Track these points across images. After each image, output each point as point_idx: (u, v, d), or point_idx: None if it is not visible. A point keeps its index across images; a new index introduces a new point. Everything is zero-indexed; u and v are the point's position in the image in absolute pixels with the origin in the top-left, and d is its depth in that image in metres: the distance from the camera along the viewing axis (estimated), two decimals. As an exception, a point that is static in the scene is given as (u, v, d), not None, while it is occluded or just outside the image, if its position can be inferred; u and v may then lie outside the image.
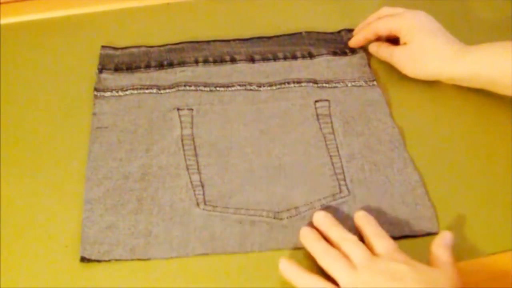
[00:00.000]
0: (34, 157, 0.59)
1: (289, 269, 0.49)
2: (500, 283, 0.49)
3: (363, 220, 0.51)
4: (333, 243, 0.49)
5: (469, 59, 0.61)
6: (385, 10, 0.68)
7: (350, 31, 0.72)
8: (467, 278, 0.49)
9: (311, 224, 0.52)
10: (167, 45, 0.71)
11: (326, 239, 0.50)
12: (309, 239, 0.50)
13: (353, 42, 0.69)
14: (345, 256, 0.48)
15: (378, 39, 0.68)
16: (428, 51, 0.63)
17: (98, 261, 0.51)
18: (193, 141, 0.60)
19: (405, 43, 0.64)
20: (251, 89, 0.65)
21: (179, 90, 0.64)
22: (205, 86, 0.65)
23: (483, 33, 0.67)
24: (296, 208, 0.54)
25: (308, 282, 0.47)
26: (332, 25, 0.73)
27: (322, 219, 0.52)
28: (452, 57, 0.62)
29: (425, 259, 0.50)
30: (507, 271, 0.50)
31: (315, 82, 0.65)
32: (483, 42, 0.62)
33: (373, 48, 0.68)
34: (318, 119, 0.62)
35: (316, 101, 0.63)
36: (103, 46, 0.70)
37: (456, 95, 0.65)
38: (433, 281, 0.45)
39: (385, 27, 0.66)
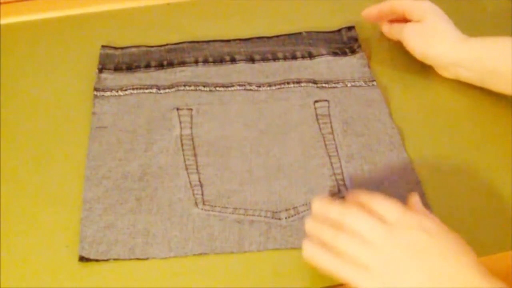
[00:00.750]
0: (33, 157, 0.59)
1: (312, 251, 0.48)
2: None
3: (355, 194, 0.50)
4: (337, 223, 0.48)
5: (475, 44, 0.62)
6: None
7: (350, 29, 0.72)
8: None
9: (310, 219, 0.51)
10: (167, 45, 0.71)
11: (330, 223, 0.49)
12: (315, 229, 0.49)
13: (366, 12, 0.69)
14: (355, 233, 0.46)
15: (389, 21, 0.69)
16: (439, 31, 0.64)
17: (97, 260, 0.51)
18: (192, 141, 0.60)
19: (417, 21, 0.65)
20: (250, 89, 0.65)
21: (178, 90, 0.65)
22: (204, 86, 0.65)
23: (482, 32, 0.67)
24: (294, 208, 0.54)
25: (334, 265, 0.46)
26: (332, 25, 0.73)
27: (319, 205, 0.50)
28: (460, 41, 0.63)
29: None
30: (507, 271, 0.50)
31: (314, 82, 0.65)
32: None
33: (386, 28, 0.69)
34: (317, 119, 0.62)
35: (316, 101, 0.63)
36: (103, 46, 0.70)
37: (456, 96, 0.65)
38: (448, 242, 0.46)
39: (401, 5, 0.66)
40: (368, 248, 0.45)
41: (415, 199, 0.51)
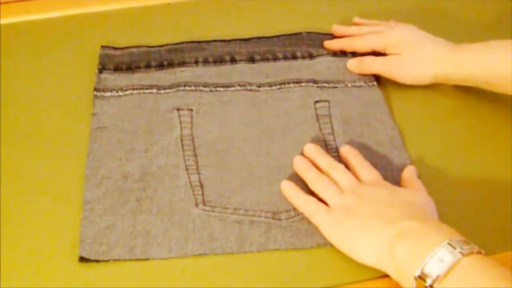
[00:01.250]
0: (34, 157, 0.59)
1: (289, 188, 0.54)
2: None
3: (348, 153, 0.57)
4: (323, 171, 0.55)
5: (461, 59, 0.62)
6: (365, 29, 0.69)
7: (350, 31, 0.72)
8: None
9: (302, 153, 0.57)
10: (167, 45, 0.71)
11: (316, 167, 0.56)
12: (302, 166, 0.56)
13: (328, 45, 0.69)
14: (334, 182, 0.53)
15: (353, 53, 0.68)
16: (421, 57, 0.63)
17: (97, 261, 0.51)
18: (193, 141, 0.60)
19: (395, 55, 0.65)
20: (251, 89, 0.65)
21: (179, 90, 0.65)
22: (205, 86, 0.65)
23: (483, 33, 0.67)
24: (295, 209, 0.54)
25: (303, 200, 0.53)
26: (332, 25, 0.73)
27: (312, 149, 0.57)
28: (444, 58, 0.62)
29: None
30: (507, 271, 0.50)
31: (315, 82, 0.65)
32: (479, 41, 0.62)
33: (352, 64, 0.67)
34: (317, 120, 0.62)
35: (316, 102, 0.63)
36: (103, 46, 0.70)
37: (456, 95, 0.65)
38: (409, 200, 0.50)
39: (367, 45, 0.67)
40: (338, 193, 0.52)
41: (410, 172, 0.55)
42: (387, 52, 0.65)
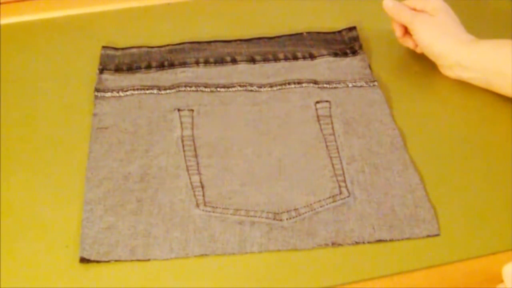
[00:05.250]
0: (34, 157, 0.59)
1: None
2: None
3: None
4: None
5: (481, 46, 0.63)
6: None
7: (351, 29, 0.72)
8: (467, 278, 0.49)
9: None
10: (167, 45, 0.71)
11: None
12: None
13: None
14: None
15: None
16: (449, 29, 0.64)
17: (98, 261, 0.51)
18: (193, 142, 0.60)
19: (431, 15, 0.65)
20: (251, 90, 0.65)
21: (179, 90, 0.65)
22: (205, 87, 0.65)
23: (482, 32, 0.67)
24: (296, 209, 0.54)
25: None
26: (332, 25, 0.73)
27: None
28: (467, 42, 0.63)
29: (426, 262, 0.50)
30: (507, 271, 0.50)
31: (315, 82, 0.65)
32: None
33: (388, 4, 0.68)
34: (318, 120, 0.62)
35: (317, 102, 0.63)
36: (103, 47, 0.70)
37: (457, 96, 0.65)
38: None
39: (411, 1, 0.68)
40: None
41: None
42: (427, 9, 0.66)
